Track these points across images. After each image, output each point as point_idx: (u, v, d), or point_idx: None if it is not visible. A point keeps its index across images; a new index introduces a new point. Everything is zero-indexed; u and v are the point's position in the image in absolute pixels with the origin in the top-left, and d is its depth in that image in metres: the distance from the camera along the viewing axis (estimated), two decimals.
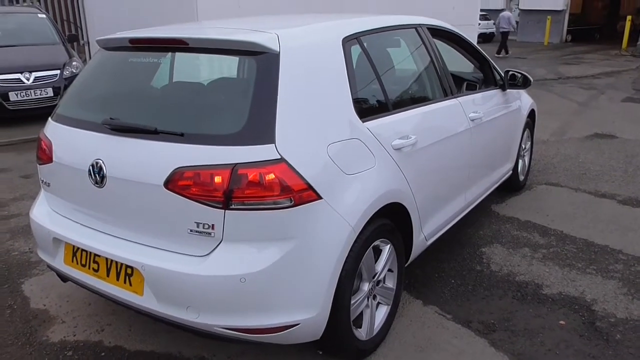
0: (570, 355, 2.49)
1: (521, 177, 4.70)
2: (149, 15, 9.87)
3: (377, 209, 2.27)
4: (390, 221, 2.44)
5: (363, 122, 2.33)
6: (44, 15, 9.11)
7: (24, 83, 7.50)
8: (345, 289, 2.16)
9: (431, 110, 2.88)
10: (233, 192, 1.90)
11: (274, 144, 1.93)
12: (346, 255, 2.11)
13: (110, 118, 2.18)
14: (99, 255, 2.23)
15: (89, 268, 2.28)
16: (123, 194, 2.12)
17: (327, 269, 2.05)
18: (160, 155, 2.02)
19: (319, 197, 2.01)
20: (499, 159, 3.95)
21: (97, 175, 2.16)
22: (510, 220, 4.07)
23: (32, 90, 7.53)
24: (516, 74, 3.88)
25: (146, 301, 2.10)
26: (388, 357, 2.48)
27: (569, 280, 3.14)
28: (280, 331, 2.02)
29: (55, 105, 2.65)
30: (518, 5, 26.64)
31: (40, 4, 13.24)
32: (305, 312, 2.03)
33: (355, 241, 2.15)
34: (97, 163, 2.15)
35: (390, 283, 2.59)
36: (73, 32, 12.46)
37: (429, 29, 3.17)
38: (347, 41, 2.42)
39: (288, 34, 2.19)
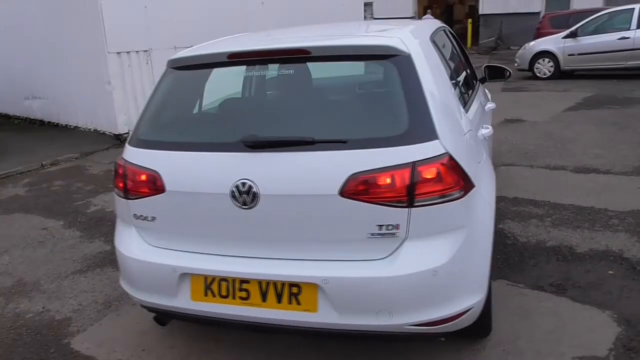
0: (635, 295, 2.91)
1: None
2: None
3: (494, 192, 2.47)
4: None
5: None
6: None
7: None
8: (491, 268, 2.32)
9: (480, 103, 3.16)
10: (416, 190, 1.95)
11: (438, 140, 2.03)
12: (493, 236, 2.27)
13: (250, 135, 2.07)
14: (247, 282, 2.11)
15: (234, 297, 2.14)
16: (282, 211, 2.04)
17: (487, 251, 2.20)
18: (326, 164, 1.99)
19: (474, 185, 2.14)
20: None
21: (245, 196, 2.04)
22: (501, 199, 4.53)
23: None
24: (493, 67, 4.33)
25: (322, 317, 2.04)
26: (502, 328, 2.68)
27: (589, 239, 3.64)
28: (458, 318, 2.10)
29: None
30: (372, 14, 28.71)
31: None
32: (476, 296, 2.15)
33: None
34: (243, 184, 2.04)
35: None
36: None
37: (444, 30, 3.45)
38: (431, 41, 2.59)
39: (403, 36, 2.29)
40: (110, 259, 3.90)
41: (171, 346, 2.74)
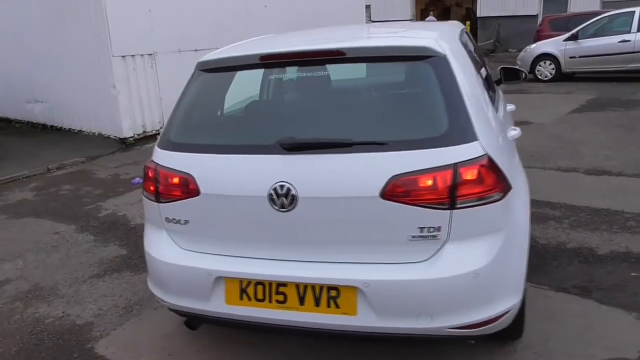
0: None
1: None
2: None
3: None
4: None
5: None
6: None
7: None
8: None
9: (504, 104, 3.16)
10: (457, 192, 1.95)
11: (477, 141, 2.02)
12: (529, 238, 2.26)
13: (287, 137, 2.06)
14: (284, 285, 2.09)
15: (270, 301, 2.12)
16: (321, 214, 2.03)
17: (524, 253, 2.19)
18: (366, 166, 1.98)
19: (511, 187, 2.13)
20: None
21: (284, 198, 2.03)
22: None
23: None
24: (508, 68, 4.33)
25: (362, 320, 2.02)
26: (531, 330, 2.67)
27: (608, 240, 3.64)
28: (497, 320, 2.09)
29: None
30: (370, 17, 28.75)
31: None
32: (514, 298, 2.13)
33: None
34: (282, 186, 2.02)
35: None
36: None
37: (465, 31, 3.45)
38: (461, 42, 2.58)
39: (437, 37, 2.28)
40: (127, 263, 3.88)
41: (198, 350, 2.72)
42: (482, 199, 1.98)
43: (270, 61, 2.27)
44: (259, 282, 2.13)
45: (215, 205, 2.17)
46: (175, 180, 2.24)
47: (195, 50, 8.65)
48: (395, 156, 1.97)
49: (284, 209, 2.04)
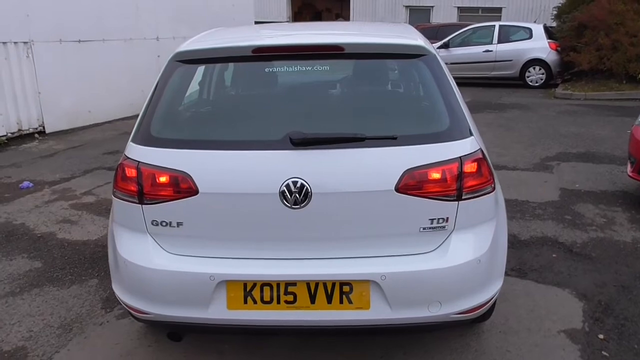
0: (580, 273, 3.35)
1: None
2: None
3: None
4: None
5: None
6: None
7: None
8: None
9: None
10: (463, 183, 2.05)
11: (473, 136, 2.15)
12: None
13: (297, 132, 1.99)
14: (294, 284, 2.03)
15: (279, 302, 2.03)
16: (335, 209, 2.00)
17: (506, 240, 2.37)
18: (379, 160, 2.00)
19: (495, 179, 2.31)
20: None
21: (297, 195, 1.96)
22: None
23: None
24: None
25: (375, 314, 2.04)
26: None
27: (525, 227, 4.08)
28: (488, 303, 2.24)
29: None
30: None
31: None
32: (499, 281, 2.30)
33: None
34: (295, 182, 1.95)
35: None
36: None
37: None
38: None
39: (419, 37, 2.38)
40: (47, 277, 3.41)
41: None
42: (480, 191, 2.12)
43: (264, 54, 2.17)
44: (266, 284, 2.03)
45: (216, 205, 2.02)
46: (165, 179, 2.04)
47: (79, 41, 7.88)
48: (407, 150, 2.02)
49: (297, 206, 1.97)
